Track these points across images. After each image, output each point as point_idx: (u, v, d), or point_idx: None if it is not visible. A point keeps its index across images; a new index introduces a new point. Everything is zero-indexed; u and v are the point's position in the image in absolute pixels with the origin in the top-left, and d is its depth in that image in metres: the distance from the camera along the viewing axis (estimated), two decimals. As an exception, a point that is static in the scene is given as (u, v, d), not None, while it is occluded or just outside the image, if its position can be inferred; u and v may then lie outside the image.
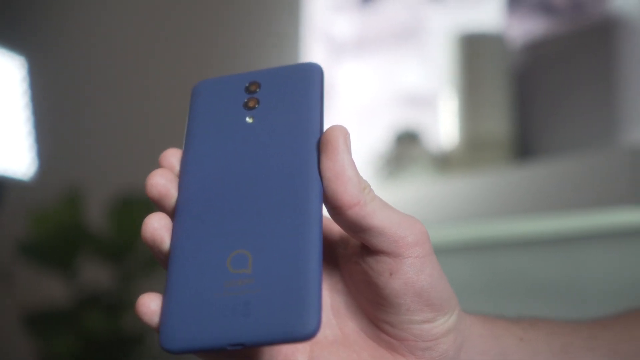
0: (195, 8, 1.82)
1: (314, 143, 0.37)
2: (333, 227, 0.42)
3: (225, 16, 1.73)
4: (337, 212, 0.36)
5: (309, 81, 0.40)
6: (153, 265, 1.63)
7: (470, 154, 1.05)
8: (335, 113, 1.42)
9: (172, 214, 0.38)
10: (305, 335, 0.33)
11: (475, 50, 1.07)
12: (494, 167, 1.04)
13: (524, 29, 1.13)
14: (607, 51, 1.04)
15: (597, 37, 1.05)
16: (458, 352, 0.39)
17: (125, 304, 1.62)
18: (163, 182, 0.38)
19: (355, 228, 0.37)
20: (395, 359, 0.38)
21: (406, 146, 1.15)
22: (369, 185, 0.37)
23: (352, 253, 0.39)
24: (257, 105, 0.40)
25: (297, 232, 0.35)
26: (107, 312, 1.60)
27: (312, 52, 1.47)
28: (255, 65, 1.62)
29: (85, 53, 2.12)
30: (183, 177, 0.39)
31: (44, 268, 1.64)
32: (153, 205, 1.68)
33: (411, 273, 0.37)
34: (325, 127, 1.35)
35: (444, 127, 1.12)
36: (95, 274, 1.79)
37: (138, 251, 1.64)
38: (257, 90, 0.40)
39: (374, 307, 0.39)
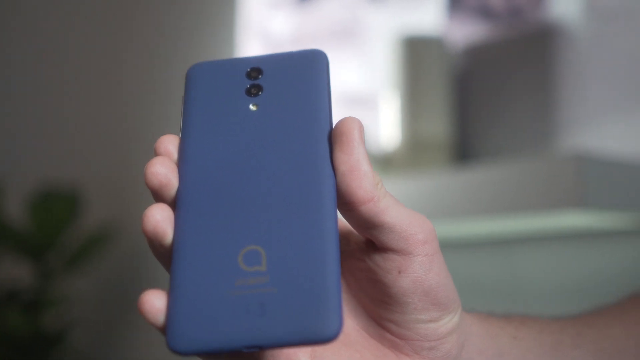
0: (129, 1, 1.77)
1: (325, 134, 0.36)
2: None
3: (160, 10, 1.70)
4: (349, 207, 0.35)
5: (314, 69, 0.38)
6: (75, 262, 1.58)
7: (411, 155, 1.06)
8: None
9: (173, 205, 0.36)
10: (327, 337, 0.32)
11: (415, 52, 1.08)
12: (434, 169, 1.04)
13: (464, 32, 1.14)
14: (545, 57, 1.06)
15: (536, 43, 1.07)
16: (460, 351, 0.39)
17: (45, 301, 1.57)
18: (164, 170, 0.35)
19: (366, 224, 0.36)
20: (399, 359, 0.38)
21: (346, 146, 1.14)
22: (381, 181, 0.36)
23: (356, 249, 0.39)
24: (260, 93, 0.38)
25: (312, 228, 0.34)
26: (26, 310, 1.54)
27: (248, 48, 1.46)
28: (191, 61, 1.59)
29: (6, 45, 2.04)
30: (184, 166, 0.36)
31: (-42, 264, 1.57)
32: (76, 200, 1.63)
33: (420, 271, 0.36)
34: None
35: (385, 128, 1.12)
36: (14, 271, 1.72)
37: (60, 247, 1.59)
38: (260, 76, 0.38)
39: (378, 305, 0.38)
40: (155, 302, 0.33)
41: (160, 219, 0.34)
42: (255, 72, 0.39)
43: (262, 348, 0.32)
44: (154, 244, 0.35)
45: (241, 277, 0.33)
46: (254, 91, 0.38)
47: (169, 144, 0.37)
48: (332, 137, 0.36)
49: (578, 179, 0.83)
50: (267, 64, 0.39)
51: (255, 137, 0.37)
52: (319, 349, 0.37)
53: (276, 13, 1.43)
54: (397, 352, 0.38)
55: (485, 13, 1.13)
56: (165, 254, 0.35)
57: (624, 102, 0.98)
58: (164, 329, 0.34)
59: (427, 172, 0.97)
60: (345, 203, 0.35)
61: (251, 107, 0.38)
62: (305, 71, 0.38)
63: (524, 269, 1.05)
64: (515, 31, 1.09)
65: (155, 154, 0.37)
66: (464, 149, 1.13)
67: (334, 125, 0.37)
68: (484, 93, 1.12)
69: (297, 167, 0.36)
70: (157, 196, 0.36)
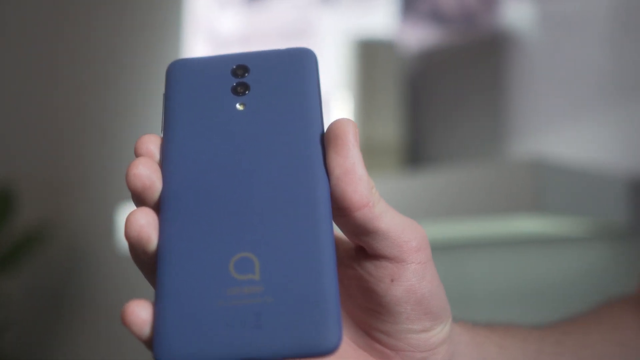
0: (63, -8, 1.72)
1: (317, 136, 0.34)
2: None
3: (104, 8, 1.65)
4: (343, 212, 0.34)
5: (303, 68, 0.36)
6: (7, 263, 1.53)
7: (363, 159, 1.05)
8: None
9: (155, 209, 0.34)
10: (327, 350, 0.30)
11: (368, 55, 1.07)
12: (386, 173, 1.04)
13: (416, 36, 1.14)
14: (497, 63, 1.07)
15: (488, 49, 1.07)
16: (450, 361, 0.38)
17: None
18: (147, 172, 0.33)
19: (359, 231, 0.34)
20: (389, 370, 0.36)
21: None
22: (374, 185, 0.35)
23: (345, 257, 0.37)
24: (247, 92, 0.36)
25: (307, 235, 0.32)
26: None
27: (195, 47, 1.43)
28: (134, 58, 1.55)
29: None
30: (168, 168, 0.34)
31: None
32: (9, 198, 1.57)
33: (414, 279, 0.35)
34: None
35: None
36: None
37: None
38: (246, 74, 0.36)
39: (368, 315, 0.36)
40: (140, 313, 0.31)
41: (144, 224, 0.32)
42: (241, 69, 0.37)
43: None
44: (137, 250, 0.33)
45: (233, 285, 0.31)
46: (240, 90, 0.36)
47: (151, 144, 0.35)
48: (326, 139, 0.34)
49: (533, 184, 0.83)
50: (254, 61, 0.37)
51: (243, 138, 0.35)
52: (306, 362, 0.36)
53: (225, 12, 1.41)
54: (387, 363, 0.37)
55: (438, 18, 1.13)
56: (147, 262, 0.33)
57: (574, 109, 0.99)
58: (149, 342, 0.31)
59: (379, 176, 0.96)
60: (339, 208, 0.34)
61: (238, 106, 0.36)
62: (294, 70, 0.36)
63: (477, 273, 1.05)
64: (468, 36, 1.09)
65: (136, 154, 0.34)
66: (416, 153, 1.12)
67: (326, 127, 0.35)
68: (437, 97, 1.12)
69: (289, 170, 0.34)
70: (139, 199, 0.33)
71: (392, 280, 0.35)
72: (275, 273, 0.31)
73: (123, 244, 1.21)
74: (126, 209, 1.21)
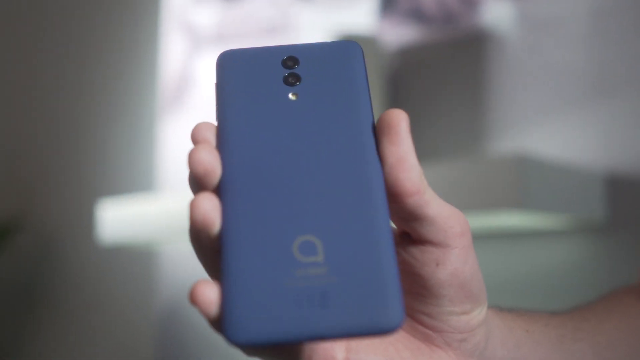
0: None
1: (368, 125, 0.36)
2: None
3: (80, 2, 1.64)
4: (395, 199, 0.35)
5: (351, 61, 0.38)
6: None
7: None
8: (194, 107, 1.38)
9: (215, 194, 0.35)
10: (390, 328, 0.32)
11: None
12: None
13: (397, 33, 1.16)
14: (477, 62, 1.09)
15: (468, 48, 1.10)
16: (487, 343, 0.40)
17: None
18: (209, 158, 0.34)
19: (408, 216, 0.36)
20: (431, 351, 0.38)
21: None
22: (423, 173, 0.36)
23: None
24: (298, 82, 0.37)
25: (366, 218, 0.34)
26: None
27: (171, 42, 1.43)
28: (112, 54, 1.54)
29: None
30: (226, 154, 0.35)
31: None
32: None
33: (458, 264, 0.37)
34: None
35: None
36: None
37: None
38: (296, 65, 0.38)
39: (412, 298, 0.38)
40: (209, 294, 0.32)
41: (209, 208, 0.33)
42: (292, 61, 0.38)
43: (325, 339, 0.32)
44: (201, 235, 0.34)
45: (299, 267, 0.33)
46: (291, 80, 0.37)
47: (207, 131, 0.36)
48: (378, 129, 0.36)
49: (515, 180, 0.85)
50: (303, 53, 0.38)
51: (298, 127, 0.36)
52: (352, 343, 0.37)
53: (202, 7, 1.41)
54: (429, 344, 0.38)
55: (418, 16, 1.15)
56: (208, 246, 0.34)
57: (553, 107, 1.02)
58: (216, 321, 0.32)
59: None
60: (392, 194, 0.35)
61: (290, 96, 0.37)
62: (343, 62, 0.38)
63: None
64: (449, 35, 1.12)
65: (194, 141, 0.35)
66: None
67: (376, 117, 0.37)
68: (417, 94, 1.14)
69: (344, 157, 0.35)
70: (200, 184, 0.34)
71: (437, 265, 0.37)
72: (338, 255, 0.33)
73: (105, 237, 1.21)
74: (108, 204, 1.21)
